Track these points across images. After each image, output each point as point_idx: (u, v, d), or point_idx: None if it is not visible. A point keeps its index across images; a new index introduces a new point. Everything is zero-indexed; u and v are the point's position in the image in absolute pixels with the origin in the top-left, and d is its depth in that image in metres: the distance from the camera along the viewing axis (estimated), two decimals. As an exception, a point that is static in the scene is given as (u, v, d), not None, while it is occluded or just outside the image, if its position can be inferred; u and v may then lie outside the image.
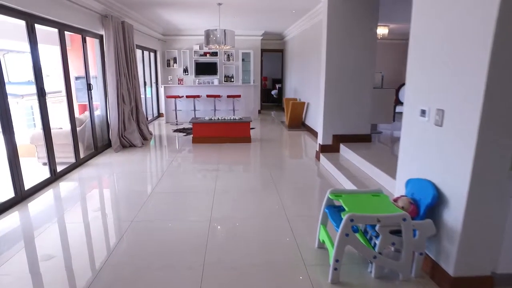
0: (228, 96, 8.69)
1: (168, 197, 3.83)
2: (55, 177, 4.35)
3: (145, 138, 6.81)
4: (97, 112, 5.99)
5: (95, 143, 5.64)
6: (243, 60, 10.53)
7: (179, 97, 8.60)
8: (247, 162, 5.49)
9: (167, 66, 10.47)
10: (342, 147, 5.16)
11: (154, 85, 9.91)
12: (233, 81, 10.65)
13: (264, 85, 14.35)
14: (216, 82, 10.48)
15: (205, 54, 10.46)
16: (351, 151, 4.85)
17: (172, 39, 10.42)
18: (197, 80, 10.52)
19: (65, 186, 4.23)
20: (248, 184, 4.33)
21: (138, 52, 8.38)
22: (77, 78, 7.72)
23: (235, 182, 4.35)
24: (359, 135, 5.23)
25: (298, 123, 8.20)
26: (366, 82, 5.06)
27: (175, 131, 7.83)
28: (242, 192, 3.97)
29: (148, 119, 9.12)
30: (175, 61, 10.45)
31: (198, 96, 8.70)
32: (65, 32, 4.61)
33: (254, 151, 6.10)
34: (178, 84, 9.20)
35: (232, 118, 6.61)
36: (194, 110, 8.86)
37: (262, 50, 11.26)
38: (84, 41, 5.23)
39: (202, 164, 5.29)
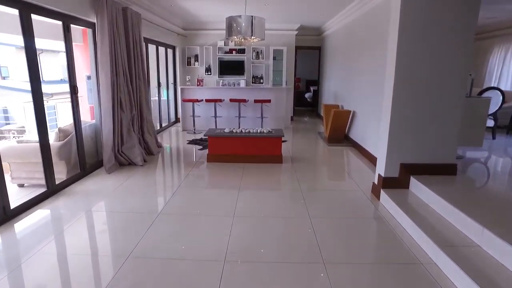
0: (256, 101, 7.24)
1: (153, 267, 2.44)
2: (5, 216, 3.09)
3: (150, 152, 5.52)
4: (91, 121, 4.75)
5: (82, 161, 4.39)
6: (274, 58, 9.06)
7: (197, 101, 7.27)
8: (276, 194, 4.02)
9: (188, 65, 9.21)
10: (413, 181, 3.57)
11: (172, 86, 8.66)
12: (262, 83, 9.20)
13: (297, 87, 12.81)
14: (242, 83, 9.08)
15: (230, 51, 9.09)
16: (427, 188, 3.29)
17: (193, 33, 9.14)
18: (221, 81, 9.18)
19: (7, 238, 2.96)
20: (277, 232, 2.86)
21: (152, 48, 7.14)
22: (89, 78, 6.65)
23: (260, 230, 2.89)
24: (439, 165, 3.61)
25: (341, 136, 6.61)
26: (455, 91, 3.43)
27: (190, 142, 6.50)
28: (269, 247, 2.50)
29: (163, 125, 7.88)
30: (196, 59, 9.17)
31: (220, 100, 7.33)
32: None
33: (286, 176, 4.62)
34: (197, 85, 7.89)
35: (259, 132, 5.16)
36: (215, 116, 7.50)
37: (297, 48, 9.73)
38: (67, 29, 3.98)
39: (216, 196, 3.88)
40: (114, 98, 4.64)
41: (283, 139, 6.52)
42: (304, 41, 10.01)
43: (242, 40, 5.07)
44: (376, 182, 3.83)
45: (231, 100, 7.30)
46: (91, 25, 4.49)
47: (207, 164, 5.07)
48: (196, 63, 9.18)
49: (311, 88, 12.47)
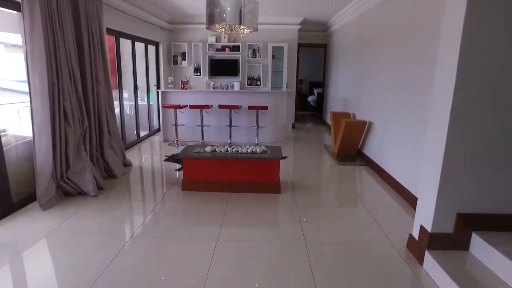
0: (250, 108, 6.02)
1: None
2: None
3: (112, 175, 4.32)
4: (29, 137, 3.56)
5: (4, 194, 3.19)
6: (273, 57, 7.85)
7: (179, 107, 6.06)
8: (270, 248, 2.80)
9: (174, 64, 8.00)
10: (476, 240, 2.37)
11: (155, 88, 7.45)
12: (259, 85, 7.99)
13: (299, 90, 11.60)
14: (236, 86, 7.87)
15: (223, 48, 7.88)
16: (499, 252, 2.09)
17: (180, 28, 7.93)
18: (212, 83, 7.97)
19: None
20: None
21: (126, 43, 5.94)
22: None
23: None
24: (514, 215, 2.39)
25: (352, 152, 5.40)
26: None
27: (168, 159, 5.29)
28: None
29: (141, 135, 6.67)
30: (183, 58, 7.96)
31: (207, 107, 6.11)
32: None
33: (285, 215, 3.43)
34: (181, 88, 6.67)
35: (250, 152, 3.95)
36: (202, 125, 6.29)
37: (299, 45, 8.51)
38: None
39: (184, 251, 2.66)
40: (53, 107, 3.43)
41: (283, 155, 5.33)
42: (307, 37, 8.79)
43: (229, 31, 3.84)
44: (416, 236, 2.61)
45: (220, 106, 6.09)
46: (14, 5, 3.28)
47: (182, 194, 3.86)
48: (184, 62, 7.98)
49: (315, 91, 11.25)
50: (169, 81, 6.65)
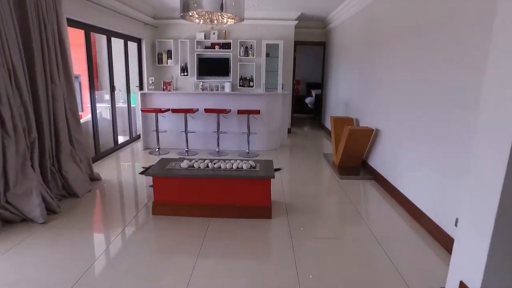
0: (240, 112, 5.33)
1: None
2: None
3: (73, 193, 3.61)
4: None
5: None
6: (267, 55, 7.16)
7: (160, 111, 5.36)
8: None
9: (159, 63, 7.30)
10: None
11: (137, 90, 6.74)
12: (252, 86, 7.30)
13: (296, 91, 10.93)
14: (227, 87, 7.19)
15: (212, 46, 7.19)
16: None
17: (165, 24, 7.23)
18: (201, 84, 7.28)
19: None
20: None
21: (101, 39, 5.24)
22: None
23: None
24: None
25: (356, 163, 4.72)
26: None
27: (144, 172, 4.58)
28: None
29: (119, 142, 5.96)
30: (169, 56, 7.26)
31: (191, 111, 5.40)
32: None
33: (276, 250, 2.75)
34: (164, 90, 5.96)
35: (236, 168, 3.27)
36: (186, 132, 5.59)
37: (296, 43, 7.83)
38: None
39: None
40: (-14, 115, 2.72)
41: (277, 166, 4.64)
42: (305, 34, 8.11)
43: (208, 21, 3.15)
44: (452, 292, 1.92)
45: (206, 110, 5.39)
46: None
47: (152, 219, 3.16)
48: (170, 60, 7.27)
49: (313, 92, 10.58)
50: (150, 82, 5.94)
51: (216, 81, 7.35)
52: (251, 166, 3.27)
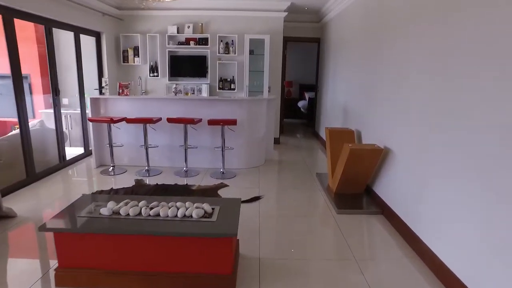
0: (210, 123, 4.23)
1: None
2: None
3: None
4: None
5: None
6: (251, 52, 6.07)
7: (111, 121, 4.26)
8: None
9: (124, 61, 6.19)
10: None
11: (97, 94, 5.64)
12: (234, 89, 6.22)
13: (288, 94, 9.88)
14: (204, 90, 6.11)
15: (187, 41, 6.10)
16: None
17: (131, 15, 6.13)
18: (174, 86, 6.19)
19: None
20: None
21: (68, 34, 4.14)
22: None
23: None
24: None
25: (358, 189, 3.66)
26: None
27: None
28: None
29: (67, 158, 4.85)
30: (136, 53, 6.15)
31: (150, 121, 4.30)
32: None
33: None
34: (120, 94, 4.83)
35: (181, 216, 2.15)
36: (146, 146, 4.49)
37: (286, 39, 6.79)
38: None
39: None
40: None
41: (256, 194, 3.56)
42: (297, 29, 7.05)
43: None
44: None
45: (169, 120, 4.30)
46: None
47: (53, 296, 2.07)
48: (137, 58, 6.16)
49: (306, 96, 9.51)
50: (104, 84, 4.83)
51: (192, 83, 6.26)
52: (205, 213, 2.18)
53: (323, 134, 6.50)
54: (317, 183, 4.27)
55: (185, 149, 4.49)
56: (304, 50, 9.86)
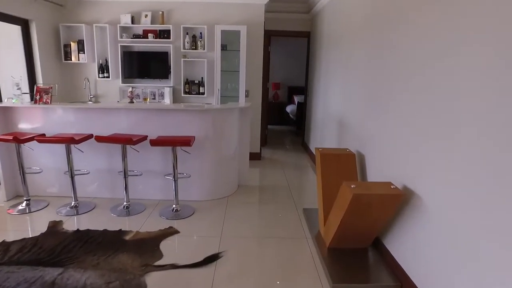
0: (155, 143, 3.02)
1: None
2: None
3: None
4: None
5: None
6: (223, 48, 4.89)
7: (17, 140, 3.02)
8: None
9: (66, 59, 4.95)
10: None
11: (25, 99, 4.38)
12: (203, 93, 5.02)
13: (275, 97, 8.72)
14: (167, 94, 4.92)
15: (145, 34, 4.90)
16: None
17: (74, 1, 4.89)
18: (130, 90, 4.97)
19: None
20: None
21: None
22: None
23: None
24: None
25: (362, 244, 2.47)
26: None
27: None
28: None
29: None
30: (81, 49, 4.92)
31: (71, 140, 3.07)
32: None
33: None
34: (36, 102, 3.56)
35: None
36: (71, 173, 3.27)
37: (270, 33, 5.65)
38: None
39: None
40: None
41: (215, 249, 2.36)
42: (282, 22, 5.90)
43: None
44: None
45: (98, 139, 3.08)
46: None
47: None
48: (82, 55, 4.93)
49: (295, 99, 8.36)
50: (16, 87, 3.57)
51: (153, 86, 5.05)
52: None
53: (313, 147, 5.34)
54: (304, 226, 3.09)
55: (125, 177, 3.27)
56: (294, 47, 8.74)
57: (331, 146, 4.18)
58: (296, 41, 8.67)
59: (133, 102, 4.97)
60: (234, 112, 3.70)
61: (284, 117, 8.91)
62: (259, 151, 5.33)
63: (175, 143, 2.99)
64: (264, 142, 6.27)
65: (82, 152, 3.38)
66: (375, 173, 2.69)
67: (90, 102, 4.97)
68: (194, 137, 3.24)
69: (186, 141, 2.98)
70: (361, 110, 3.10)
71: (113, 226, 2.98)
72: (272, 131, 8.13)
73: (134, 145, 3.06)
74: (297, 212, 3.39)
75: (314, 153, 5.32)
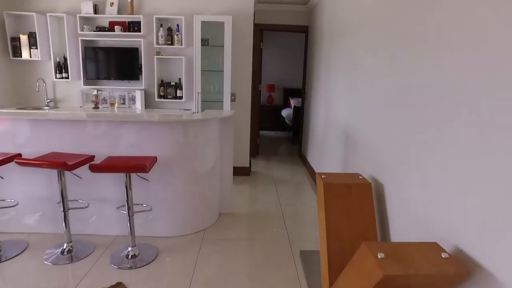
0: (96, 168, 2.19)
1: None
2: None
3: None
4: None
5: None
6: (204, 43, 4.08)
7: None
8: None
9: (14, 55, 4.12)
10: None
11: None
12: (181, 97, 4.20)
13: (269, 101, 7.95)
14: (139, 98, 4.12)
15: (111, 26, 4.10)
16: None
17: (20, -16, 4.09)
18: (95, 94, 4.20)
19: None
20: None
21: None
22: None
23: None
24: None
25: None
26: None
27: None
28: None
29: None
30: (33, 43, 4.09)
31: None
32: None
33: None
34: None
35: None
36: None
37: (261, 27, 4.89)
38: None
39: None
40: None
41: None
42: (276, 14, 5.12)
43: None
44: None
45: (19, 162, 2.25)
46: None
47: None
48: (34, 51, 4.10)
49: (292, 103, 7.58)
50: None
51: (122, 88, 4.24)
52: None
53: (311, 160, 4.56)
54: (301, 280, 2.28)
55: (64, 211, 2.45)
56: (290, 44, 7.96)
57: (334, 166, 3.38)
58: (293, 37, 7.90)
59: (98, 108, 4.18)
60: (211, 124, 2.90)
61: (280, 122, 8.12)
62: (248, 165, 4.53)
63: (124, 169, 2.18)
64: (255, 152, 5.48)
65: (2, 178, 2.55)
66: (404, 215, 1.89)
67: (46, 108, 4.15)
68: (155, 158, 2.43)
69: (139, 167, 2.17)
70: (379, 121, 2.30)
71: (41, 283, 2.16)
72: (265, 137, 7.34)
73: (71, 170, 2.24)
74: (292, 255, 2.58)
75: (312, 166, 4.53)
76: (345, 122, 3.12)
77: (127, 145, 2.59)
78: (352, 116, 2.91)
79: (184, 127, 2.66)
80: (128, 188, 2.35)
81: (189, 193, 2.79)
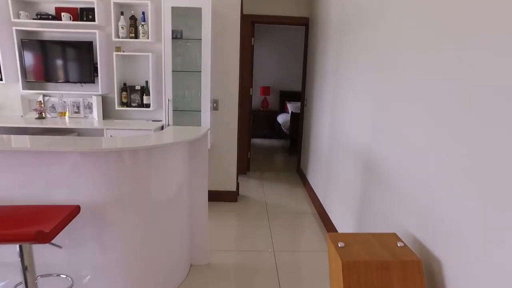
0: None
1: None
2: None
3: None
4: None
5: None
6: (176, 36, 3.16)
7: None
8: None
9: None
10: None
11: None
12: (148, 105, 3.28)
13: (263, 105, 7.07)
14: (95, 105, 3.19)
15: (57, 14, 3.18)
16: None
17: None
18: (38, 100, 3.27)
19: None
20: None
21: None
22: None
23: None
24: None
25: None
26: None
27: None
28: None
29: None
30: (-44, 36, 3.17)
31: None
32: None
33: None
34: None
35: None
36: None
37: (252, 18, 4.01)
38: None
39: None
40: None
41: None
42: (269, 4, 4.24)
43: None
44: None
45: None
46: None
47: None
48: (-40, 46, 3.17)
49: (289, 108, 6.70)
50: None
51: (74, 93, 3.33)
52: None
53: (313, 181, 3.68)
54: None
55: None
56: (288, 40, 7.10)
57: (346, 201, 2.49)
58: (291, 31, 7.02)
59: (43, 118, 3.27)
60: (172, 150, 2.00)
61: (275, 129, 7.23)
62: (234, 188, 3.63)
63: (4, 238, 1.26)
64: (246, 168, 4.59)
65: None
66: None
67: (-24, 118, 3.23)
68: (76, 208, 1.52)
69: (30, 236, 1.25)
70: (436, 154, 1.41)
71: None
72: (259, 147, 6.45)
73: None
74: None
75: (313, 189, 3.64)
76: (362, 142, 2.23)
77: (40, 186, 1.69)
78: (376, 136, 2.01)
79: (130, 158, 1.76)
80: (24, 259, 1.44)
81: (140, 248, 1.89)
